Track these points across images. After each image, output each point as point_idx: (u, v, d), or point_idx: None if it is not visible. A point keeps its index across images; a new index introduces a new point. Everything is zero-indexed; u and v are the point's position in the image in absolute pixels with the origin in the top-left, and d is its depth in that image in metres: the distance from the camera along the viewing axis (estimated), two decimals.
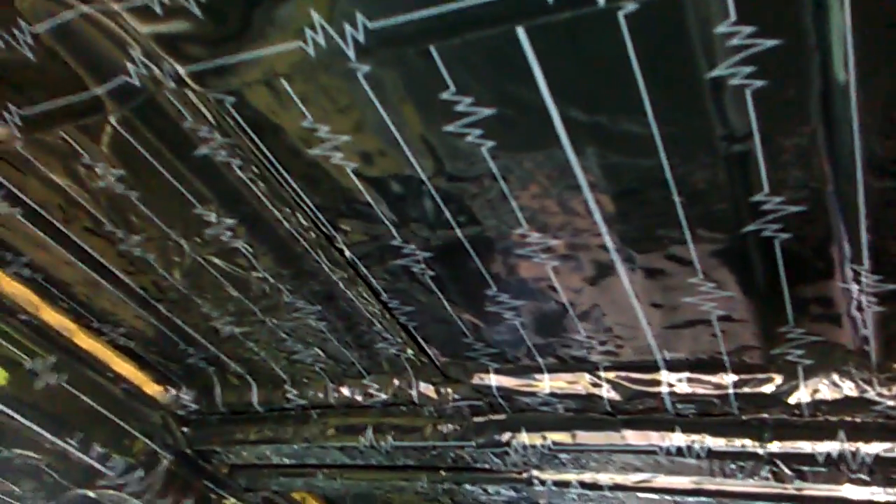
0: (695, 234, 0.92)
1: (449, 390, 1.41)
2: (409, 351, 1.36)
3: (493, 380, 1.34)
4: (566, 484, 1.44)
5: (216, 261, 1.26)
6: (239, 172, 1.05)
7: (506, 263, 1.08)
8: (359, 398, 1.51)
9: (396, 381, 1.46)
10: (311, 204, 1.06)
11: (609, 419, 1.28)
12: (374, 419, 1.53)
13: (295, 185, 1.03)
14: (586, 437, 1.32)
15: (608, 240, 0.97)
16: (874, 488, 1.14)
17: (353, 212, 1.05)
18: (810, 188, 0.83)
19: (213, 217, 1.15)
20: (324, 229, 1.11)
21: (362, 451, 1.56)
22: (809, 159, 0.80)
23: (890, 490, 1.14)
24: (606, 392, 1.25)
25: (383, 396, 1.48)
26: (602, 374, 1.24)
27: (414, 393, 1.44)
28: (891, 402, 1.04)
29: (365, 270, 1.17)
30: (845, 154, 0.78)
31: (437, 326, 1.26)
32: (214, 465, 1.90)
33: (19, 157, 1.13)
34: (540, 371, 1.29)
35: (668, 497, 1.38)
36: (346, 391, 1.53)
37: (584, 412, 1.30)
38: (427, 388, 1.43)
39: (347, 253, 1.15)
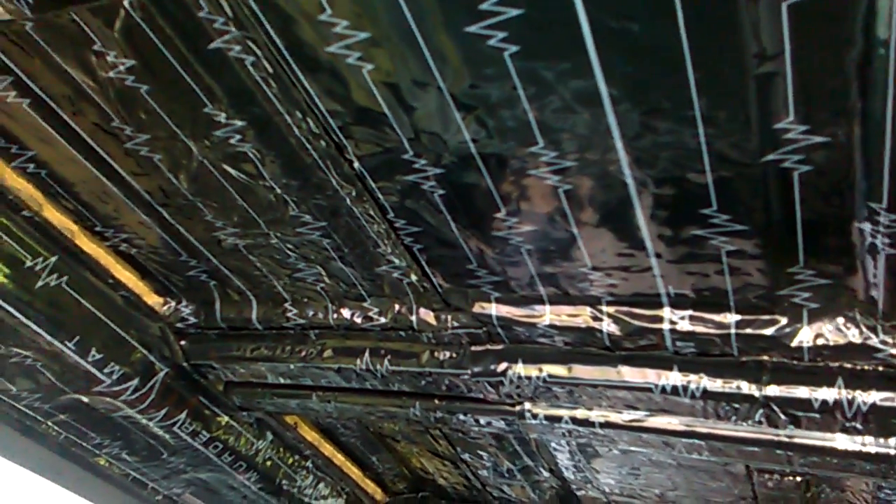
0: (713, 160, 0.90)
1: (449, 317, 1.40)
2: (413, 275, 1.35)
3: (494, 309, 1.33)
4: (558, 419, 1.45)
5: (223, 166, 1.24)
6: (251, 70, 1.03)
7: (517, 185, 1.06)
8: (358, 321, 1.51)
9: (397, 306, 1.45)
10: (323, 109, 1.03)
11: (607, 354, 1.28)
12: (372, 343, 1.53)
13: (308, 87, 1.00)
14: (582, 372, 1.31)
15: (624, 163, 0.95)
16: (866, 438, 1.14)
17: (366, 120, 1.03)
18: (837, 117, 0.81)
19: (222, 117, 1.13)
20: (334, 137, 1.09)
21: (358, 374, 1.56)
22: (840, 86, 0.78)
23: (881, 441, 1.14)
24: (607, 326, 1.24)
25: (383, 320, 1.48)
26: (604, 308, 1.24)
27: (414, 318, 1.44)
28: (893, 351, 1.03)
29: (373, 185, 1.16)
30: (879, 82, 0.76)
31: (443, 250, 1.25)
32: (210, 380, 1.91)
33: (29, 40, 1.10)
34: (541, 302, 1.28)
35: (657, 437, 1.39)
36: (346, 313, 1.53)
37: (583, 346, 1.30)
38: (427, 315, 1.42)
39: (357, 165, 1.13)
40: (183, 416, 1.94)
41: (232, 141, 1.17)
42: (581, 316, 1.26)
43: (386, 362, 1.51)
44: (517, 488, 2.14)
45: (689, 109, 0.84)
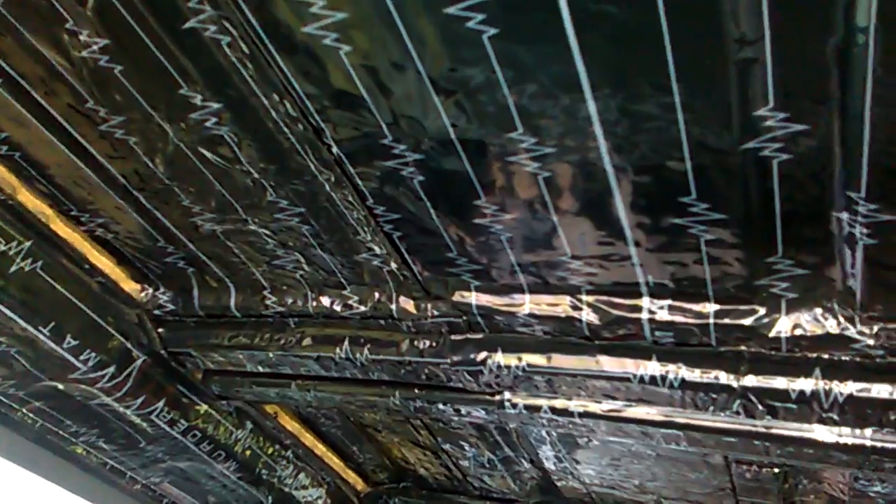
0: (692, 148, 0.89)
1: (429, 306, 1.39)
2: (392, 263, 1.34)
3: (474, 297, 1.32)
4: (537, 408, 1.44)
5: (199, 149, 1.22)
6: (227, 51, 1.01)
7: (497, 172, 1.05)
8: (338, 309, 1.50)
9: (377, 294, 1.44)
10: (300, 91, 1.02)
11: (586, 344, 1.27)
12: (352, 331, 1.52)
13: (284, 68, 0.98)
14: (562, 361, 1.31)
15: (604, 150, 0.94)
16: (843, 429, 1.15)
17: (344, 103, 1.01)
18: (816, 105, 0.81)
19: (198, 99, 1.11)
20: (312, 121, 1.07)
21: (337, 363, 1.55)
22: (819, 74, 0.77)
23: (858, 431, 1.14)
24: (586, 315, 1.23)
25: (362, 309, 1.47)
26: (583, 297, 1.23)
27: (394, 307, 1.42)
28: (870, 342, 1.03)
29: (352, 170, 1.14)
30: (858, 70, 0.75)
31: (422, 238, 1.24)
32: (188, 369, 1.89)
33: (1, 18, 1.08)
34: (521, 291, 1.28)
35: (635, 427, 1.38)
36: (325, 301, 1.51)
37: (562, 335, 1.29)
38: (407, 303, 1.41)
39: (335, 149, 1.11)
40: (161, 404, 1.92)
41: (208, 124, 1.15)
42: (561, 305, 1.26)
43: (366, 351, 1.50)
44: (498, 479, 2.13)
45: (668, 96, 0.84)
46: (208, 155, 1.22)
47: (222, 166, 1.24)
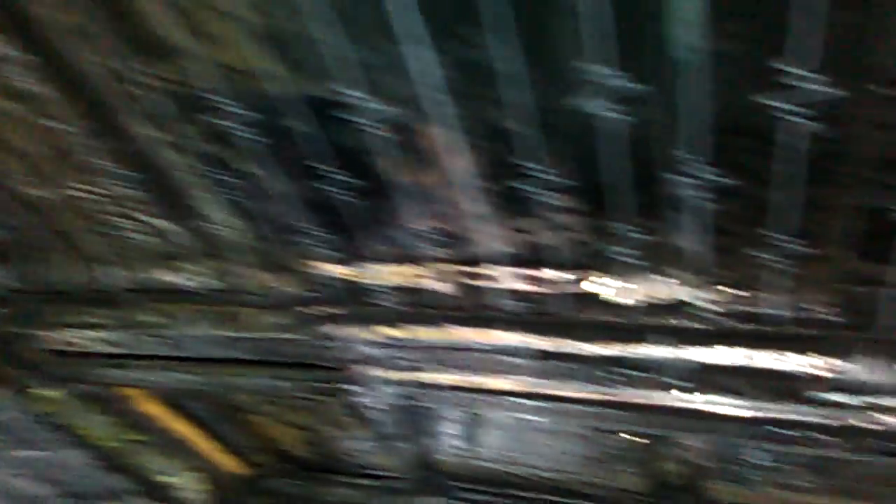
0: (528, 111, 0.85)
1: (278, 278, 1.30)
2: (235, 231, 1.24)
3: (325, 268, 1.25)
4: (399, 383, 1.39)
5: (15, 106, 1.08)
6: None
7: (337, 132, 0.97)
8: (183, 282, 1.39)
9: (222, 266, 1.34)
10: (122, 45, 0.91)
11: (441, 315, 1.23)
12: (201, 306, 1.41)
13: (105, 21, 0.87)
14: (419, 333, 1.26)
15: (440, 111, 0.88)
16: (695, 395, 1.15)
17: (170, 56, 0.91)
18: (652, 67, 0.77)
19: (10, 51, 0.97)
20: (137, 76, 0.96)
21: (186, 341, 1.44)
22: (654, 36, 0.74)
23: (711, 397, 1.15)
24: (439, 286, 1.18)
25: (210, 282, 1.36)
26: (437, 266, 1.18)
27: (241, 279, 1.33)
28: (714, 308, 1.03)
29: (182, 130, 1.04)
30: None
31: (263, 204, 1.15)
32: (31, 350, 1.73)
33: None
34: (373, 261, 1.21)
35: (499, 400, 1.35)
36: (169, 274, 1.40)
37: (418, 307, 1.24)
38: (254, 275, 1.31)
39: (162, 108, 1.00)
40: (3, 391, 1.76)
41: (27, 80, 1.02)
42: (414, 275, 1.20)
43: (216, 328, 1.39)
44: (375, 456, 2.08)
45: (500, 57, 0.78)
46: (27, 113, 1.08)
47: (45, 127, 1.11)
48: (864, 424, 1.05)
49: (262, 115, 0.97)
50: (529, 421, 1.62)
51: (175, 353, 1.54)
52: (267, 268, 1.30)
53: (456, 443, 1.84)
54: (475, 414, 1.65)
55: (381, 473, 2.20)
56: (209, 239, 1.29)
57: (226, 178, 1.10)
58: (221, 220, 1.22)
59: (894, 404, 1.01)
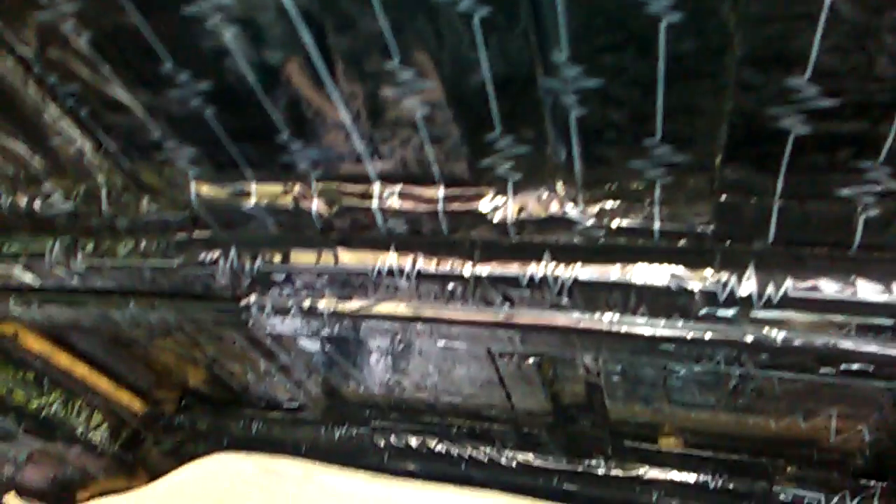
0: (398, 17, 0.76)
1: (144, 200, 1.20)
2: (89, 149, 1.13)
3: (193, 187, 1.15)
4: (285, 310, 1.32)
5: None
6: None
7: (176, 27, 0.87)
8: (40, 207, 1.27)
9: (83, 187, 1.23)
10: None
11: (322, 237, 1.16)
12: (62, 233, 1.30)
13: None
14: (299, 257, 1.19)
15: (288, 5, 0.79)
16: (574, 313, 1.12)
17: None
18: None
19: None
20: None
21: (51, 271, 1.33)
22: None
23: (588, 315, 1.12)
24: (316, 205, 1.11)
25: (68, 206, 1.25)
26: (313, 184, 1.10)
27: (103, 203, 1.22)
28: (591, 222, 0.99)
29: (12, 34, 0.91)
30: None
31: (113, 115, 1.04)
32: None
33: None
34: (245, 179, 1.12)
35: (389, 324, 1.31)
36: (23, 199, 1.27)
37: (296, 229, 1.16)
38: (117, 197, 1.21)
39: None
40: None
41: None
42: (289, 194, 1.12)
43: (80, 255, 1.29)
44: (279, 388, 2.03)
45: None
46: None
47: None
48: (750, 339, 1.04)
49: (89, 9, 0.86)
50: (427, 347, 1.59)
51: (36, 285, 1.43)
52: (127, 188, 1.20)
53: (358, 372, 1.80)
54: (369, 341, 1.60)
55: (289, 405, 2.16)
56: (62, 158, 1.17)
57: (66, 86, 0.98)
58: (71, 137, 1.11)
59: (780, 317, 1.00)
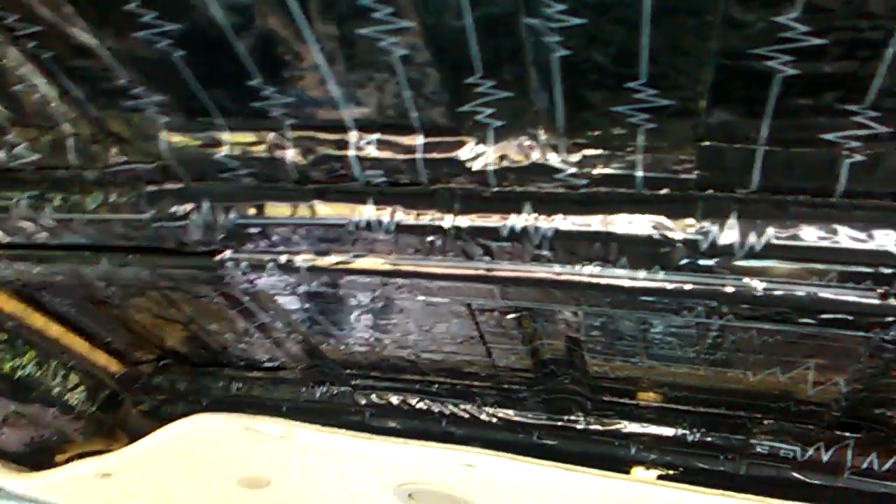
0: None
1: (113, 150, 1.16)
2: (54, 95, 1.09)
3: (164, 137, 1.11)
4: (261, 266, 1.30)
5: None
6: None
7: None
8: (3, 159, 1.22)
9: (49, 137, 1.18)
10: None
11: (298, 189, 1.13)
12: (29, 186, 1.26)
13: None
14: (275, 210, 1.16)
15: None
16: (555, 266, 1.11)
17: None
18: None
19: None
20: None
21: (18, 226, 1.29)
22: None
23: (569, 267, 1.11)
24: (291, 155, 1.08)
25: (34, 157, 1.20)
26: (287, 133, 1.07)
27: (71, 153, 1.18)
28: (574, 170, 0.97)
29: None
30: None
31: (77, 59, 0.99)
32: None
33: None
34: (218, 128, 1.09)
35: (368, 280, 1.29)
36: None
37: (271, 180, 1.13)
38: (85, 147, 1.17)
39: None
40: None
41: None
42: (263, 143, 1.08)
43: (48, 209, 1.25)
44: (259, 347, 2.01)
45: None
46: None
47: None
48: (730, 289, 1.03)
49: None
50: (407, 303, 1.58)
51: (17, 242, 1.39)
52: (96, 138, 1.15)
53: (339, 330, 1.79)
54: (349, 297, 1.58)
55: (270, 365, 2.15)
56: (26, 106, 1.13)
57: (26, 28, 0.94)
58: (35, 83, 1.06)
59: (761, 266, 0.98)
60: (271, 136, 1.07)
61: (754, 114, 0.83)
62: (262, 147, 1.08)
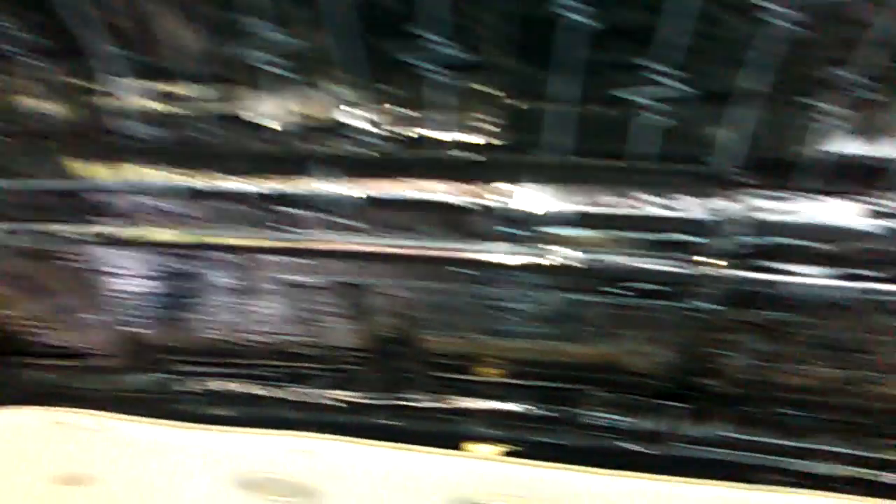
0: None
1: None
2: None
3: None
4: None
5: None
6: None
7: None
8: None
9: None
10: None
11: (61, 146, 0.97)
12: None
13: None
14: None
15: None
16: (369, 235, 1.03)
17: None
18: None
19: None
20: None
21: None
22: None
23: (385, 238, 1.03)
24: (52, 106, 0.92)
25: None
26: (44, 81, 0.91)
27: None
28: (379, 131, 0.89)
29: None
30: None
31: None
32: None
33: None
34: None
35: (171, 253, 1.16)
36: None
37: (24, 134, 0.97)
38: None
39: None
40: None
41: None
42: (13, 91, 0.92)
43: None
44: (73, 333, 1.81)
45: None
46: None
47: None
48: (543, 260, 0.99)
49: None
50: (211, 278, 1.44)
51: None
52: None
53: (147, 311, 1.62)
54: (156, 276, 1.43)
55: (83, 352, 1.94)
56: None
57: None
58: None
59: (566, 234, 0.94)
60: (22, 83, 0.91)
61: (551, 70, 0.78)
62: (9, 95, 0.92)
